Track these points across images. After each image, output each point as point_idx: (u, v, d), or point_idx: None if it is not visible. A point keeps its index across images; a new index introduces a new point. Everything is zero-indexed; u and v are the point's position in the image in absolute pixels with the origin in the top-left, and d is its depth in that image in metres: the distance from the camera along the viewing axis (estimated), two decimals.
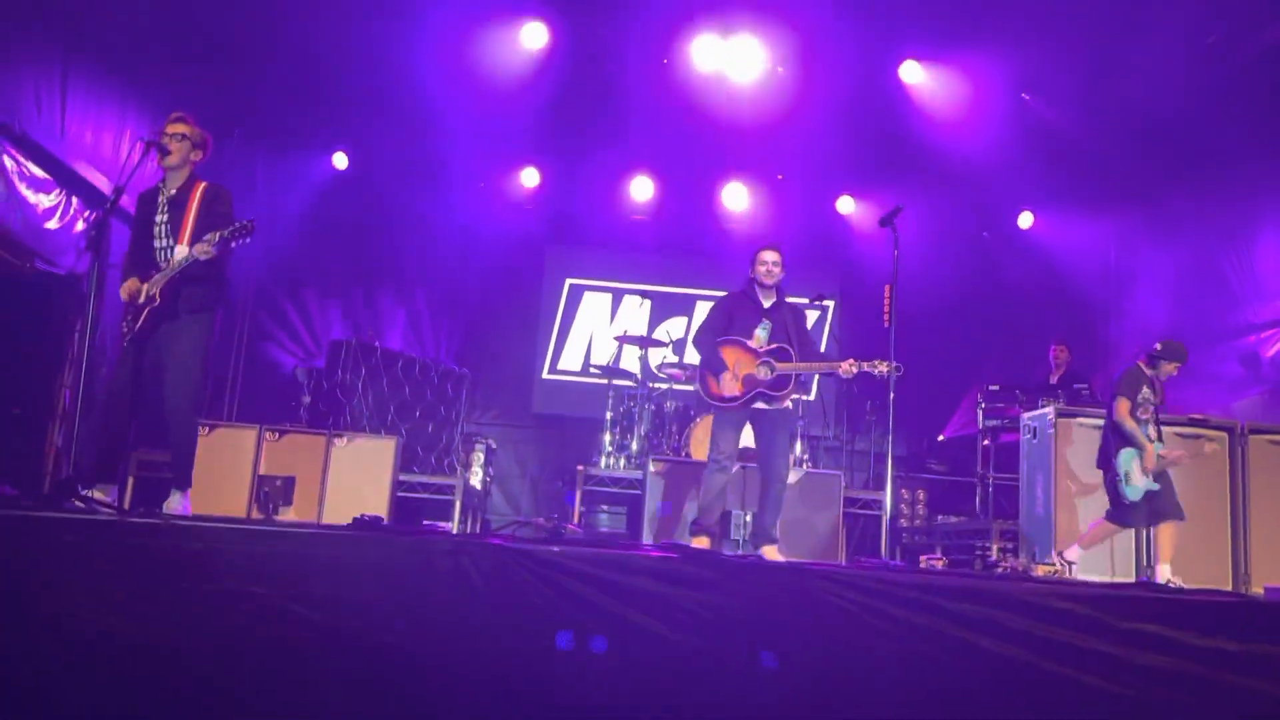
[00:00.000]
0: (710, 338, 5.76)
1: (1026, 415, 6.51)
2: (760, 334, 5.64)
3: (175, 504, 4.48)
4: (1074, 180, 9.00)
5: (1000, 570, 4.42)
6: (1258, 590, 5.43)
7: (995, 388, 7.82)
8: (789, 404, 5.75)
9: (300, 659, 3.14)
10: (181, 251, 4.46)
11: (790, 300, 5.89)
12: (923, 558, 4.74)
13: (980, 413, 7.89)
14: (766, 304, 5.77)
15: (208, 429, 6.41)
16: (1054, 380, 7.89)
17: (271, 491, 6.23)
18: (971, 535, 7.53)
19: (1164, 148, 8.09)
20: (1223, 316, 7.74)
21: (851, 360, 5.40)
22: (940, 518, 8.00)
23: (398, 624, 3.18)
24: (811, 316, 10.25)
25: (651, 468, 6.80)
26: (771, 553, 5.45)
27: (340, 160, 9.43)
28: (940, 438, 9.20)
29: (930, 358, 8.96)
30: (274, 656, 3.13)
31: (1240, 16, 6.96)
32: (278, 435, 6.50)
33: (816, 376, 10.02)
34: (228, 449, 6.40)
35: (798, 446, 7.56)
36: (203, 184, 4.63)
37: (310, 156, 9.33)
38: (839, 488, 6.90)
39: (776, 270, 5.73)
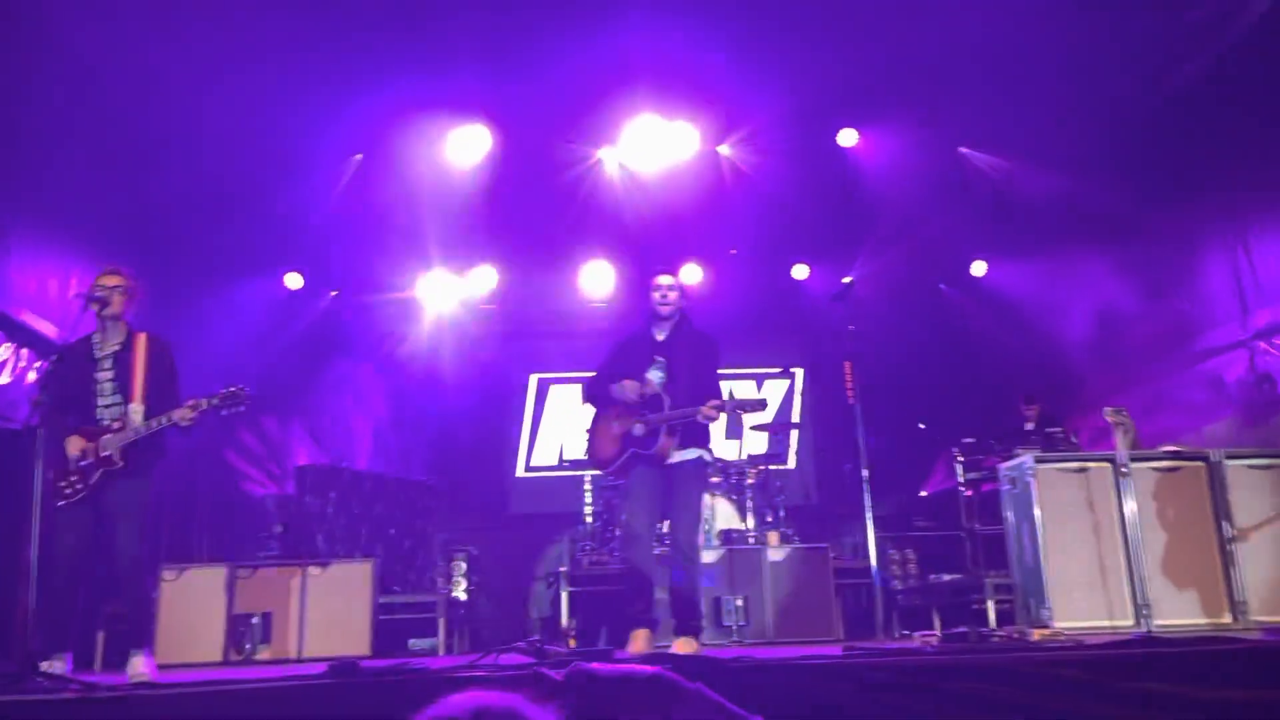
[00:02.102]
0: (596, 389, 5.03)
1: (1005, 465, 6.48)
2: (653, 376, 4.90)
3: (138, 665, 4.29)
4: (1023, 225, 9.13)
5: (997, 639, 4.33)
6: (1256, 618, 5.37)
7: (971, 440, 7.81)
8: (693, 452, 4.91)
9: None
10: (137, 411, 4.37)
11: (697, 332, 5.17)
12: (917, 634, 4.65)
13: (959, 466, 7.85)
14: (661, 337, 5.02)
15: (177, 573, 6.24)
16: (1029, 428, 7.89)
17: (247, 631, 6.04)
18: (967, 591, 7.43)
19: (1107, 186, 8.23)
20: (1184, 344, 7.81)
21: (711, 403, 4.65)
22: (933, 576, 7.90)
23: None
24: (781, 386, 10.25)
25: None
26: (685, 645, 4.64)
27: (293, 281, 9.39)
28: (923, 494, 9.15)
29: (904, 415, 8.95)
30: None
31: (1167, 50, 7.15)
32: (250, 571, 6.34)
33: (793, 445, 10.00)
34: (199, 590, 6.23)
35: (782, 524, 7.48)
36: (143, 336, 4.57)
37: (261, 280, 9.29)
38: (828, 560, 6.81)
39: (673, 296, 4.98)
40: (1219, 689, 3.09)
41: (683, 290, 5.08)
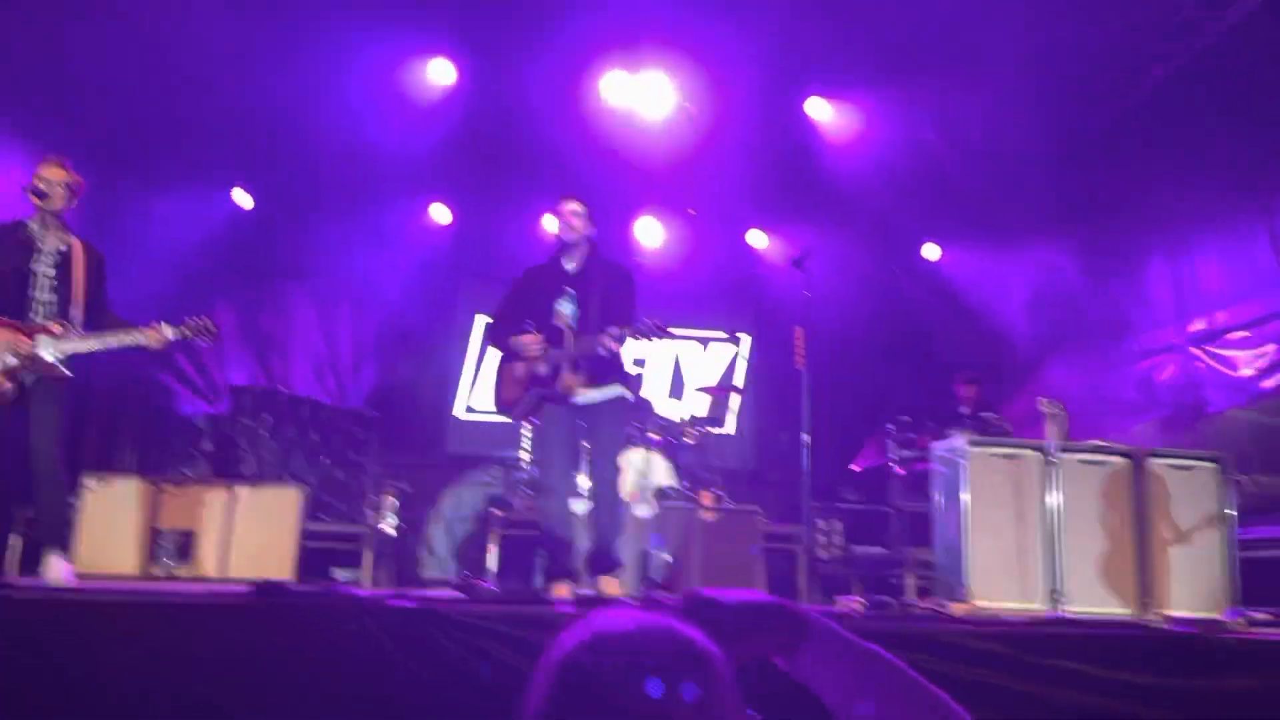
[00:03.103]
0: (500, 329, 4.74)
1: (938, 446, 6.60)
2: (563, 309, 4.63)
3: (54, 569, 4.19)
4: (978, 214, 9.25)
5: (919, 610, 4.43)
6: (1164, 611, 5.57)
7: (907, 419, 7.92)
8: (618, 391, 4.70)
9: None
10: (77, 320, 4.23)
11: (609, 262, 4.87)
12: (840, 599, 4.74)
13: (892, 443, 7.98)
14: (571, 268, 4.72)
15: (99, 482, 6.10)
16: (964, 411, 8.04)
17: (169, 547, 5.94)
18: (889, 565, 7.59)
19: (1060, 185, 8.37)
20: (1122, 343, 8.01)
21: (609, 331, 4.34)
22: (857, 547, 8.05)
23: (305, 694, 3.03)
24: (728, 352, 10.31)
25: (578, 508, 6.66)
26: (609, 585, 4.52)
27: (242, 198, 9.16)
28: (855, 468, 9.29)
29: (844, 389, 9.06)
30: None
31: (1123, 60, 7.27)
32: (176, 487, 6.22)
33: (734, 409, 10.07)
34: (122, 503, 6.09)
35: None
36: (80, 243, 4.41)
37: (209, 194, 9.04)
38: (758, 523, 6.90)
39: (579, 223, 4.68)
40: (1123, 671, 3.21)
41: (591, 219, 4.77)
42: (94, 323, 4.34)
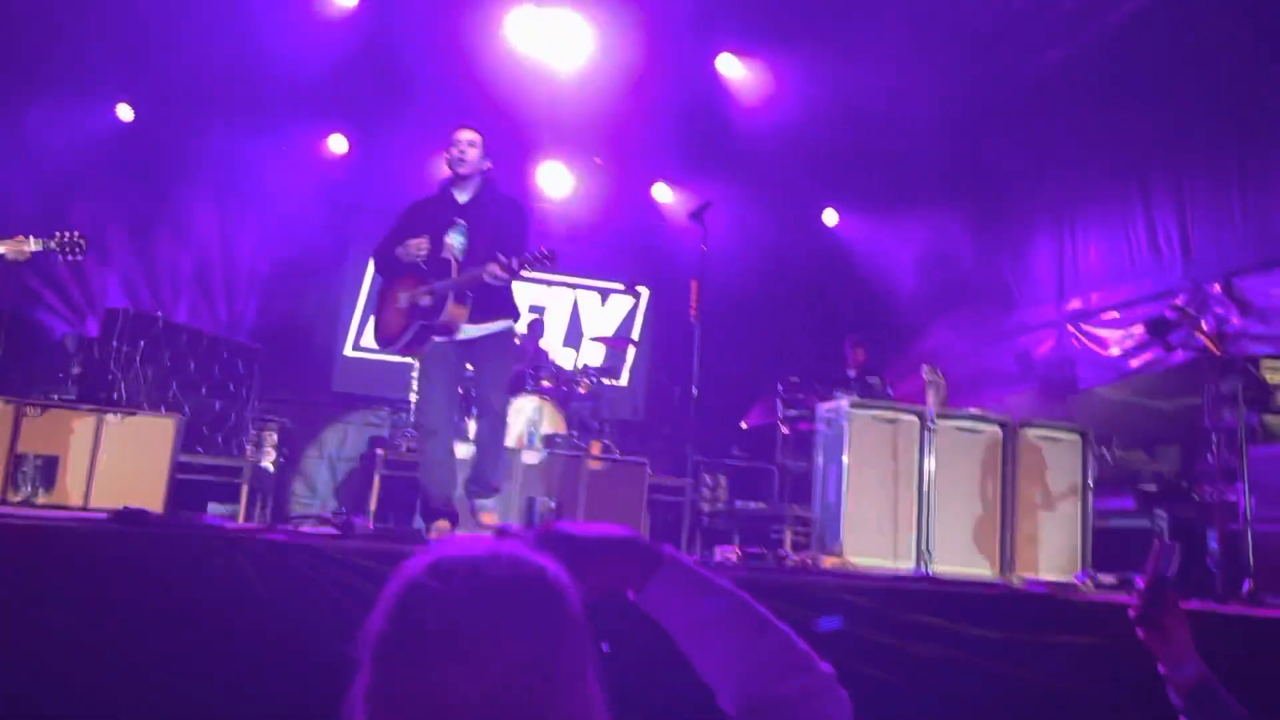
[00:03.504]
0: (384, 256, 4.56)
1: (822, 406, 6.75)
2: (452, 240, 4.48)
3: None
4: (876, 182, 9.42)
5: (791, 563, 4.55)
6: (1023, 573, 5.85)
7: (795, 379, 8.07)
8: (500, 324, 4.56)
9: (55, 668, 2.84)
10: None
11: (503, 195, 4.70)
12: (719, 549, 4.82)
13: (780, 402, 8.13)
14: (463, 199, 4.56)
15: None
16: (851, 374, 8.23)
17: (30, 472, 5.66)
18: (769, 520, 7.76)
19: (956, 158, 8.57)
20: (1002, 318, 8.30)
21: (497, 260, 4.15)
22: (740, 503, 8.21)
23: (165, 627, 2.94)
24: (625, 303, 10.31)
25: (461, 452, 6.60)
26: (487, 517, 4.52)
27: (124, 112, 8.69)
28: (743, 425, 9.44)
29: (737, 347, 9.17)
30: (23, 666, 2.81)
31: (1022, 39, 7.46)
32: (40, 410, 5.91)
33: (629, 362, 10.10)
34: None
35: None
36: None
37: (90, 107, 8.54)
38: (644, 475, 6.96)
39: (472, 153, 4.51)
40: (979, 627, 3.36)
41: (485, 151, 4.59)
42: None
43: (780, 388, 8.16)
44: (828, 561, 4.80)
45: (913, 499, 6.03)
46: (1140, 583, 1.78)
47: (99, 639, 2.85)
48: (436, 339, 4.48)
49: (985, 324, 8.39)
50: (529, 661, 0.92)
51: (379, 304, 4.67)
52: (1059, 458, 6.33)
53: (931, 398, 6.20)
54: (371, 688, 0.95)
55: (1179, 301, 6.02)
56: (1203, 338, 4.93)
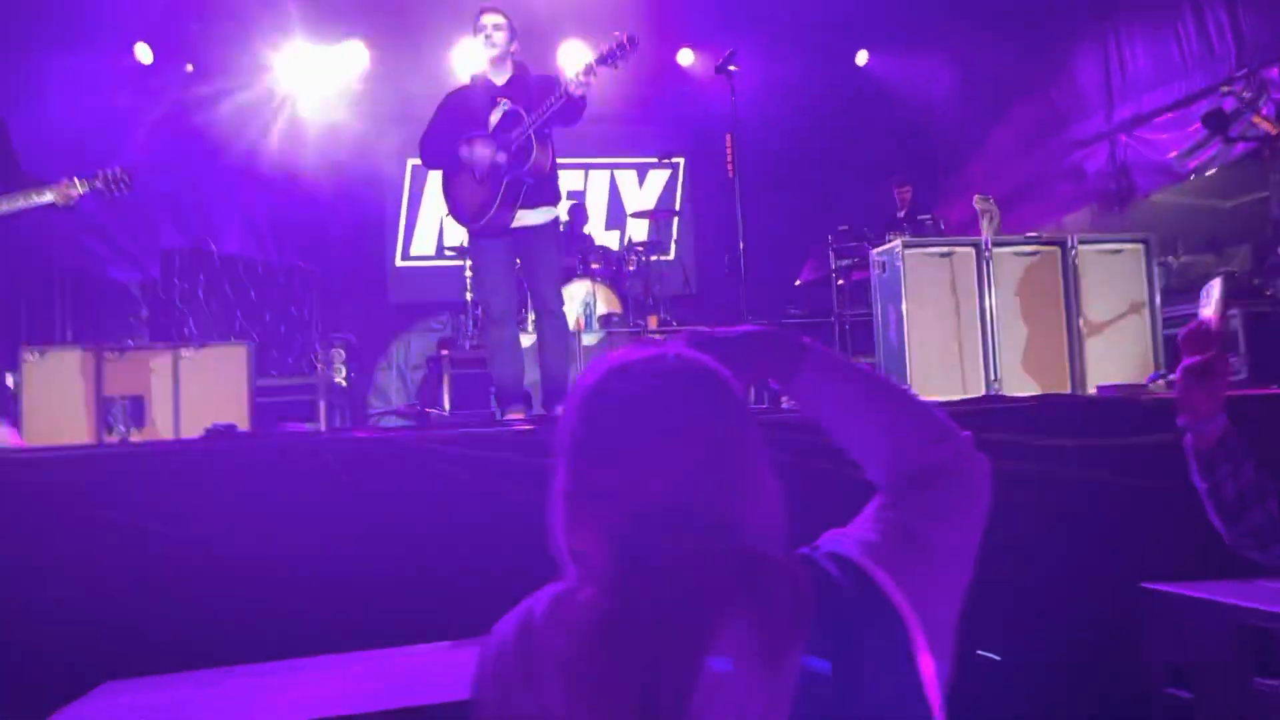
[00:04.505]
0: (432, 143, 4.58)
1: (875, 251, 6.69)
2: (497, 116, 4.49)
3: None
4: (907, 14, 9.07)
5: None
6: (1092, 389, 5.83)
7: (844, 228, 7.98)
8: (547, 213, 4.62)
9: (172, 586, 3.02)
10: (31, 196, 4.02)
11: (538, 74, 4.72)
12: (784, 400, 4.88)
13: (831, 254, 8.06)
14: (500, 82, 4.57)
15: (39, 354, 5.99)
16: (901, 215, 8.11)
17: (119, 413, 5.90)
18: None
19: None
20: (1052, 135, 8.05)
21: (578, 72, 4.28)
22: None
23: (268, 533, 3.10)
24: (663, 176, 10.20)
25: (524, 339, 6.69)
26: None
27: (143, 53, 8.68)
28: (797, 282, 9.40)
29: (780, 204, 9.06)
30: (143, 586, 3.00)
31: None
32: (119, 354, 6.11)
33: (674, 234, 10.06)
34: (64, 374, 5.98)
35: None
36: None
37: (108, 51, 8.54)
38: None
39: (499, 36, 4.50)
40: (1053, 436, 3.39)
41: (511, 31, 4.56)
42: (3, 184, 4.18)
43: (830, 239, 8.08)
44: None
45: (976, 330, 5.99)
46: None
47: (204, 548, 3.02)
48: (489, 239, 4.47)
49: (1034, 145, 8.15)
50: (715, 441, 1.00)
51: (449, 189, 4.62)
52: (1122, 270, 6.20)
53: (985, 227, 6.10)
54: (571, 484, 1.03)
55: (1235, 88, 5.76)
56: (1263, 124, 4.74)
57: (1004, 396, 4.53)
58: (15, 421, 4.39)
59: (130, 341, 6.55)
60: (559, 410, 1.16)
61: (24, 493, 2.99)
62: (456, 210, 4.62)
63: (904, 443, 1.22)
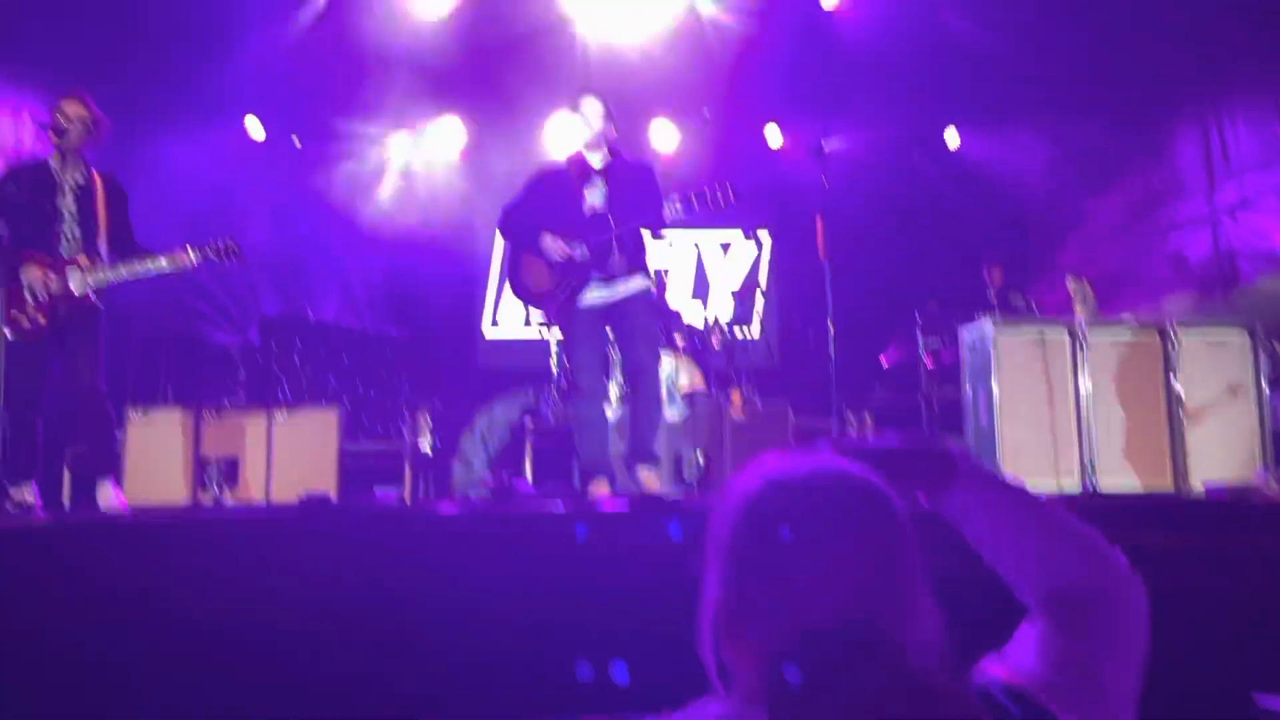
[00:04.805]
0: (517, 216, 4.62)
1: (965, 331, 6.59)
2: (593, 196, 4.52)
3: (107, 495, 4.34)
4: (999, 93, 9.05)
5: None
6: (1195, 485, 5.59)
7: (933, 307, 7.89)
8: (640, 282, 4.59)
9: (264, 654, 3.07)
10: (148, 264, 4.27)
11: (634, 158, 4.81)
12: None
13: (919, 333, 7.97)
14: (597, 163, 4.61)
15: (142, 414, 6.23)
16: (991, 296, 8.00)
17: (214, 474, 6.09)
18: None
19: (1079, 51, 8.14)
20: (1149, 217, 7.88)
21: (675, 199, 4.29)
22: None
23: (355, 600, 3.13)
24: (749, 251, 10.25)
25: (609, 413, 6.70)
26: (649, 478, 4.47)
27: (254, 128, 9.12)
28: (883, 360, 9.29)
29: (866, 282, 9.02)
30: (236, 649, 3.05)
31: None
32: (216, 415, 6.34)
33: (758, 309, 10.07)
34: (165, 433, 6.23)
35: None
36: (100, 176, 4.44)
37: (221, 126, 9.00)
38: (788, 420, 6.96)
39: (598, 122, 4.56)
40: (1157, 536, 3.25)
41: (610, 116, 4.63)
42: (120, 254, 4.41)
43: (917, 318, 7.99)
44: None
45: (1070, 415, 5.83)
46: None
47: (296, 616, 3.06)
48: (590, 295, 4.51)
49: (1130, 226, 7.98)
50: (881, 559, 0.98)
51: (519, 266, 4.69)
52: (1226, 359, 6.00)
53: (1079, 309, 5.98)
54: (725, 596, 1.01)
55: None
56: None
57: (1104, 494, 4.37)
58: (119, 478, 4.54)
59: (227, 403, 6.79)
60: (711, 510, 1.13)
61: (127, 557, 3.08)
62: (519, 287, 4.70)
63: (1059, 566, 1.18)
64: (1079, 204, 8.69)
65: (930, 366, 7.95)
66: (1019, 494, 1.24)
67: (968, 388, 6.48)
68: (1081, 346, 5.78)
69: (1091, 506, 3.43)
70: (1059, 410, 5.84)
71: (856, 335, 8.66)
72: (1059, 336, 5.90)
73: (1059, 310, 7.43)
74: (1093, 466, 5.62)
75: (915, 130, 9.87)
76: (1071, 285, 5.86)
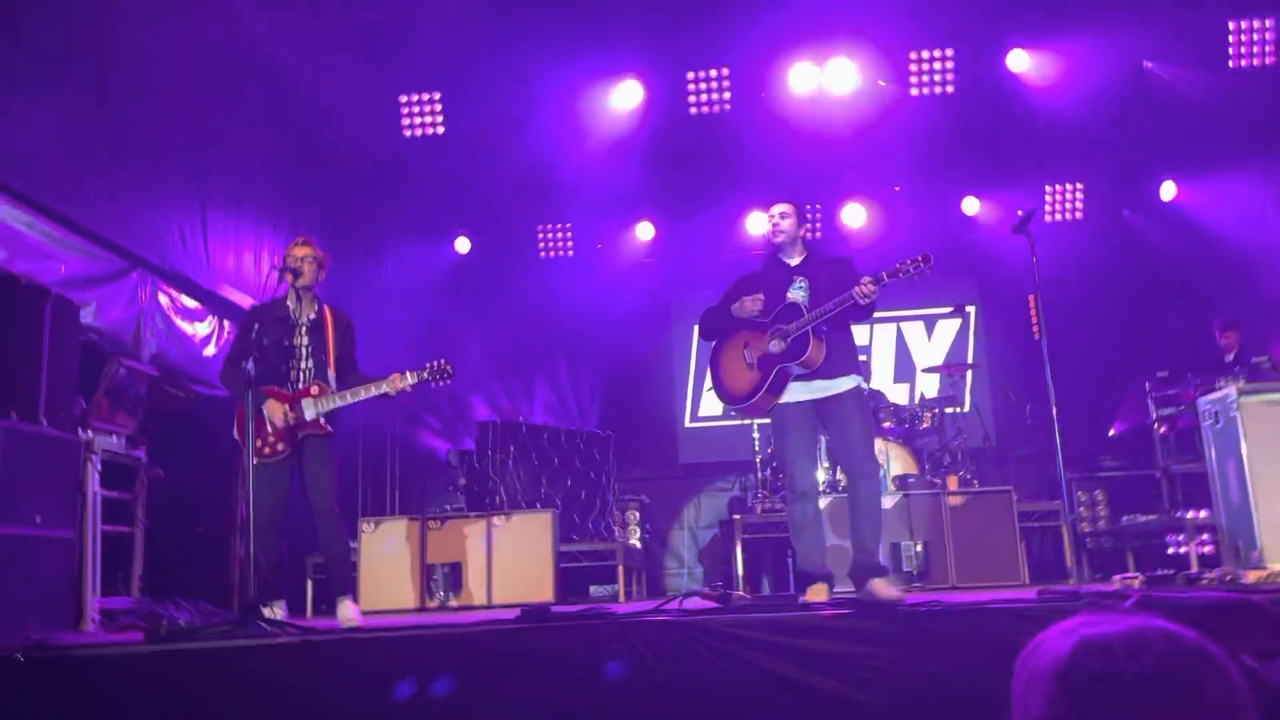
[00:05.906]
0: (716, 317, 4.66)
1: (1204, 399, 6.08)
2: (795, 293, 4.51)
3: (348, 613, 4.61)
4: (1215, 143, 8.48)
5: (1207, 581, 4.06)
6: None
7: (1164, 374, 7.35)
8: (855, 381, 4.49)
9: None
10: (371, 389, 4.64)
11: (831, 255, 4.84)
12: (1117, 577, 4.42)
13: (1151, 401, 7.42)
14: (795, 263, 4.64)
15: (373, 524, 6.61)
16: (1229, 358, 7.36)
17: (440, 580, 6.36)
18: (1163, 533, 7.04)
19: None
20: None
21: (867, 279, 4.19)
22: (1125, 518, 7.50)
23: (575, 712, 3.16)
24: (952, 327, 9.91)
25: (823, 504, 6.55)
26: (881, 587, 4.22)
27: (462, 245, 9.72)
28: (1111, 433, 8.69)
29: (1087, 351, 8.53)
30: None
31: None
32: (440, 523, 6.65)
33: (969, 385, 9.66)
34: (394, 542, 6.58)
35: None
36: (330, 309, 4.85)
37: (434, 244, 9.68)
38: (1011, 503, 6.59)
39: (786, 225, 4.60)
40: None
41: (799, 218, 4.68)
42: (346, 380, 4.75)
43: (1148, 385, 7.45)
44: (1251, 576, 4.22)
45: None
46: None
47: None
48: (792, 388, 4.46)
49: None
50: None
51: (719, 365, 4.74)
52: None
53: None
54: None
55: None
56: None
57: None
58: (355, 594, 4.82)
59: (448, 509, 7.11)
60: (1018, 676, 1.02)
61: (366, 671, 3.24)
62: (721, 388, 4.72)
63: None
64: None
65: (1165, 433, 7.36)
66: None
67: (1212, 458, 5.94)
68: None
69: None
70: None
71: (1076, 406, 8.15)
72: None
73: None
74: None
75: (1126, 186, 9.36)
76: None
